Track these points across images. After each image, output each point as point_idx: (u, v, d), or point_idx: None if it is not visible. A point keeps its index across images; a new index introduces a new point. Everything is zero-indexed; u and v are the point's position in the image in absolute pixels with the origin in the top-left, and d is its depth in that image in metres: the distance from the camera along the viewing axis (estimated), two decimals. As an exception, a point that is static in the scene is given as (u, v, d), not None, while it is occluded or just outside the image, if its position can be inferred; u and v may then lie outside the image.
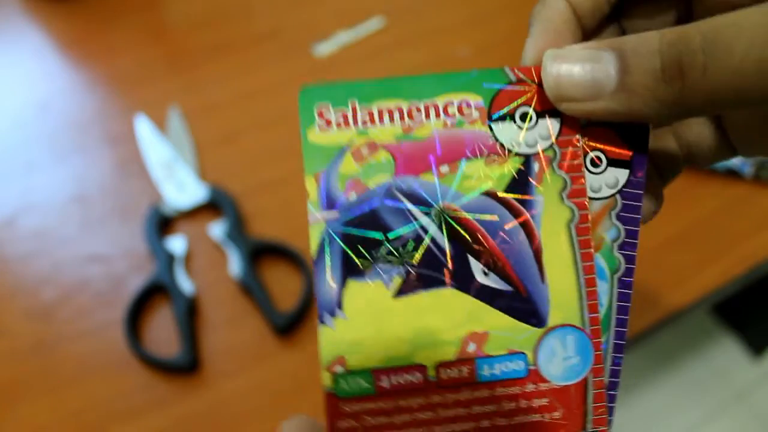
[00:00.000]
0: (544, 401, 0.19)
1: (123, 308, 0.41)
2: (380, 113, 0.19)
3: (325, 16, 0.57)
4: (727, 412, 1.00)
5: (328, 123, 0.19)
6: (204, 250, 0.45)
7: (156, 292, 0.42)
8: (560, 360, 0.19)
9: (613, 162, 0.20)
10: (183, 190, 0.46)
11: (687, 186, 0.48)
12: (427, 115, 0.19)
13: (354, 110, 0.19)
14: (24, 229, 0.46)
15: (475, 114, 0.19)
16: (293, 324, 0.41)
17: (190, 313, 0.41)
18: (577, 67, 0.18)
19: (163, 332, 0.41)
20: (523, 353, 0.19)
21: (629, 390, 0.96)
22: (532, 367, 0.19)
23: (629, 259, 0.20)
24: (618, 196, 0.20)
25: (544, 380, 0.19)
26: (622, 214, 0.20)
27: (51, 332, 0.41)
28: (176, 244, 0.44)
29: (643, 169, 0.20)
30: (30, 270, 0.44)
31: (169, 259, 0.43)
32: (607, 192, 0.20)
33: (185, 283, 0.42)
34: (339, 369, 0.19)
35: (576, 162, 0.20)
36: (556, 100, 0.19)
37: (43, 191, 0.47)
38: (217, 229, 0.44)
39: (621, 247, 0.20)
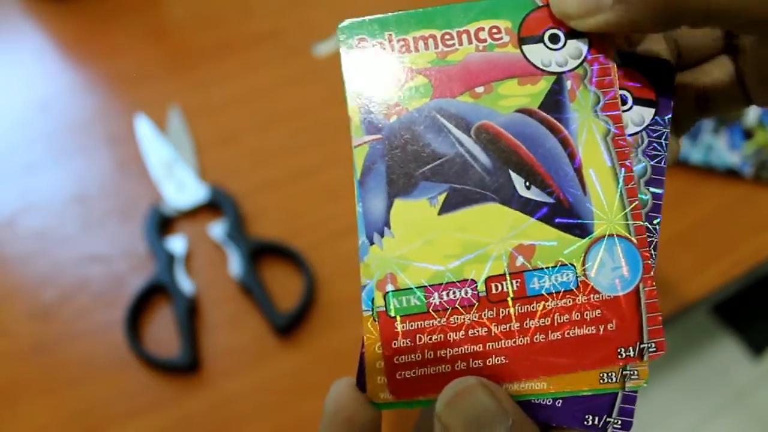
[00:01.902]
0: (596, 313, 0.19)
1: (123, 308, 0.41)
2: (415, 41, 0.20)
3: (325, 16, 0.57)
4: (727, 412, 1.00)
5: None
6: (204, 250, 0.45)
7: (156, 292, 0.42)
8: (609, 271, 0.19)
9: (639, 101, 0.21)
10: (183, 190, 0.46)
11: (687, 186, 0.48)
12: (460, 42, 0.20)
13: (390, 40, 0.20)
14: (24, 229, 0.46)
15: (506, 38, 0.20)
16: (293, 324, 0.41)
17: (190, 313, 0.41)
18: None
19: (163, 332, 0.41)
20: (571, 265, 0.19)
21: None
22: (581, 279, 0.19)
23: (656, 196, 0.20)
24: (644, 133, 0.20)
25: (595, 291, 0.19)
26: (648, 150, 0.20)
27: (51, 332, 0.41)
28: (176, 244, 0.44)
29: (669, 108, 0.21)
30: (30, 270, 0.44)
31: (169, 259, 0.43)
32: (633, 129, 0.20)
33: (185, 283, 0.42)
34: (389, 287, 0.19)
35: (606, 78, 0.20)
36: (562, 17, 0.20)
37: (43, 191, 0.47)
38: (217, 229, 0.44)
39: (648, 183, 0.20)
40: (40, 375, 0.40)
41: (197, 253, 0.45)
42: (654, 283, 0.19)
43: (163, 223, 0.45)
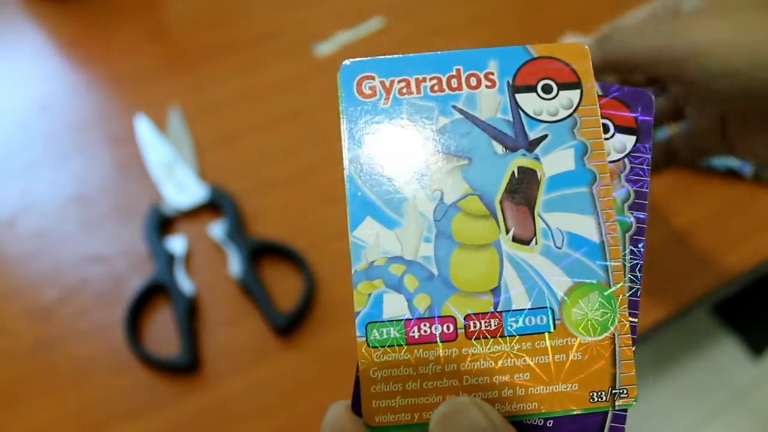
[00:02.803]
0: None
1: (123, 308, 0.41)
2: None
3: (325, 16, 0.57)
4: (727, 412, 1.00)
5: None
6: (204, 250, 0.45)
7: (156, 292, 0.42)
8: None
9: (621, 129, 0.21)
10: (183, 190, 0.46)
11: (687, 186, 0.48)
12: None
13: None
14: (24, 229, 0.46)
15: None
16: (293, 324, 0.41)
17: (190, 313, 0.41)
18: None
19: (163, 332, 0.41)
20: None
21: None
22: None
23: (640, 219, 0.21)
24: (626, 160, 0.21)
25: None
26: (631, 176, 0.21)
27: (51, 332, 0.41)
28: (176, 244, 0.44)
29: (650, 136, 0.21)
30: (30, 270, 0.44)
31: (169, 259, 0.43)
32: (615, 156, 0.21)
33: (185, 283, 0.42)
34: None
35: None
36: None
37: (43, 191, 0.47)
38: (217, 229, 0.44)
39: (632, 207, 0.21)
40: (40, 374, 0.40)
41: (197, 253, 0.45)
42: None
43: (163, 223, 0.45)
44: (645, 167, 0.21)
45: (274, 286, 0.43)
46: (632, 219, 0.21)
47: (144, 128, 0.49)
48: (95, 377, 0.40)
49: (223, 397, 0.40)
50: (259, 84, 0.53)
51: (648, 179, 0.21)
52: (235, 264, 0.43)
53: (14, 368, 0.40)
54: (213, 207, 0.46)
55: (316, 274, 0.43)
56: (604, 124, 0.21)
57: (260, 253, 0.44)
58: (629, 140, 0.21)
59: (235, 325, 0.42)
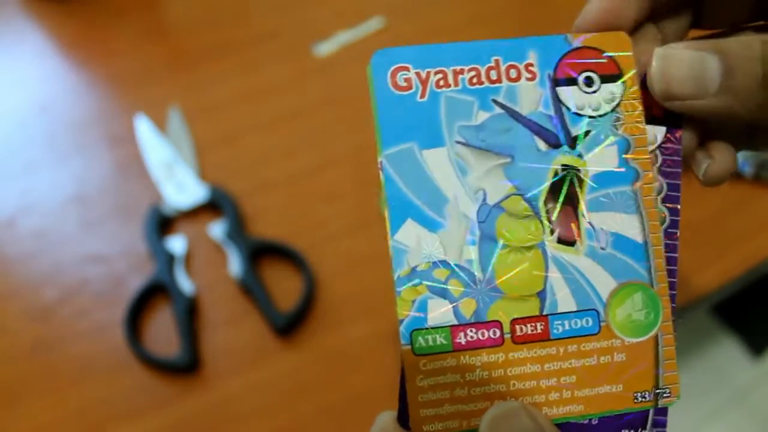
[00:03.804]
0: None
1: (123, 308, 0.41)
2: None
3: (325, 16, 0.57)
4: (727, 412, 1.00)
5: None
6: (204, 250, 0.45)
7: (156, 292, 0.42)
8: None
9: (650, 120, 0.20)
10: (183, 190, 0.46)
11: (687, 186, 0.48)
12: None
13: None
14: (24, 229, 0.46)
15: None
16: (293, 324, 0.41)
17: (190, 313, 0.41)
18: (685, 70, 0.19)
19: (163, 332, 0.41)
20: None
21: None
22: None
23: (673, 212, 0.21)
24: (658, 152, 0.21)
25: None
26: (663, 168, 0.21)
27: (51, 332, 0.41)
28: (176, 244, 0.44)
29: (680, 125, 0.21)
30: (30, 270, 0.44)
31: (169, 259, 0.43)
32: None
33: (185, 283, 0.42)
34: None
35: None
36: (663, 98, 0.20)
37: (43, 191, 0.47)
38: (217, 229, 0.44)
39: (664, 200, 0.21)
40: (40, 374, 0.40)
41: (197, 253, 0.45)
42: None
43: (163, 223, 0.45)
44: (676, 158, 0.21)
45: (274, 286, 0.43)
46: (666, 212, 0.20)
47: (144, 128, 0.49)
48: (95, 377, 0.40)
49: (223, 397, 0.40)
50: (259, 84, 0.53)
51: (680, 170, 0.21)
52: (235, 264, 0.43)
53: (14, 368, 0.40)
54: (213, 207, 0.46)
55: (316, 274, 0.43)
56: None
57: (260, 253, 0.44)
58: (660, 131, 0.20)
59: (235, 325, 0.42)
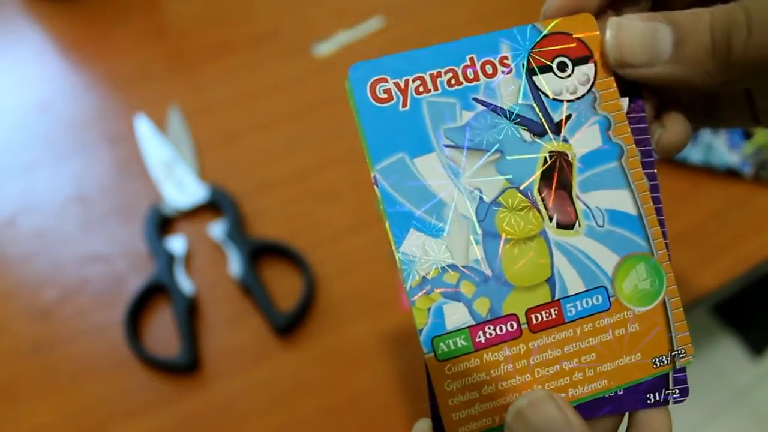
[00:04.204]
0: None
1: (123, 308, 0.41)
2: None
3: (325, 16, 0.57)
4: (727, 412, 1.00)
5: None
6: (204, 250, 0.45)
7: (156, 292, 0.42)
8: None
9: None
10: (183, 190, 0.46)
11: (687, 186, 0.48)
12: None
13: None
14: (24, 229, 0.46)
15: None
16: (293, 324, 0.41)
17: (190, 313, 0.41)
18: (637, 38, 0.20)
19: (163, 332, 0.41)
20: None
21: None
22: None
23: (651, 176, 0.21)
24: (626, 121, 0.21)
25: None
26: (634, 137, 0.21)
27: (51, 332, 0.41)
28: (176, 244, 0.44)
29: (638, 91, 0.21)
30: (30, 270, 0.44)
31: (169, 259, 0.43)
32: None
33: (185, 283, 0.42)
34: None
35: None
36: (617, 65, 0.20)
37: (43, 191, 0.47)
38: (217, 229, 0.44)
39: (642, 167, 0.21)
40: (40, 375, 0.40)
41: (197, 253, 0.45)
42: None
43: (163, 223, 0.45)
44: (643, 126, 0.21)
45: (274, 286, 0.43)
46: (645, 179, 0.21)
47: (144, 128, 0.49)
48: (95, 377, 0.40)
49: (223, 397, 0.40)
50: (259, 84, 0.53)
51: (648, 137, 0.21)
52: (235, 264, 0.43)
53: (14, 368, 0.40)
54: (213, 207, 0.46)
55: (316, 274, 0.43)
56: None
57: (260, 253, 0.44)
58: (624, 101, 0.21)
59: (235, 325, 0.42)
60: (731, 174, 0.48)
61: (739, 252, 0.45)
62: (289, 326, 0.41)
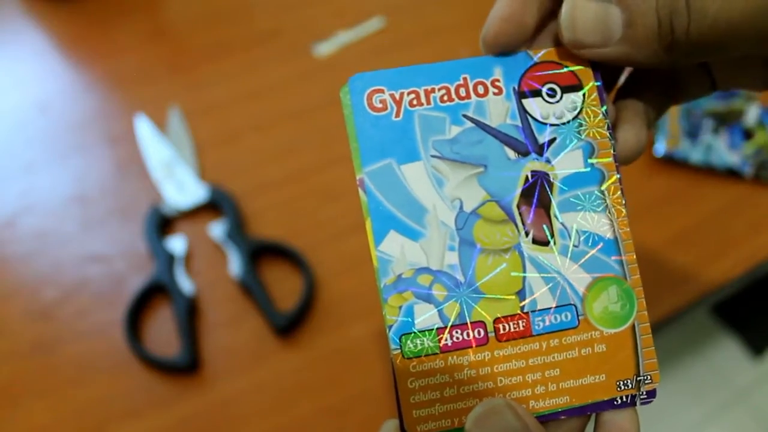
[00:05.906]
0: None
1: (123, 308, 0.41)
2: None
3: (325, 16, 0.57)
4: (727, 412, 1.00)
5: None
6: (204, 250, 0.45)
7: (156, 292, 0.42)
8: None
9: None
10: (183, 190, 0.46)
11: (687, 186, 0.48)
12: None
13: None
14: (24, 229, 0.46)
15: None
16: (293, 324, 0.41)
17: (190, 313, 0.41)
18: (590, 19, 0.20)
19: (163, 332, 0.41)
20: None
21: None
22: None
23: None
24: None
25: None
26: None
27: (51, 332, 0.41)
28: (176, 244, 0.44)
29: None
30: (30, 270, 0.44)
31: (169, 259, 0.43)
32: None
33: (185, 283, 0.42)
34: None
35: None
36: (572, 45, 0.21)
37: (43, 191, 0.47)
38: (217, 229, 0.44)
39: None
40: (40, 375, 0.40)
41: (197, 253, 0.45)
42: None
43: (163, 223, 0.45)
44: (607, 121, 0.22)
45: (274, 286, 0.43)
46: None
47: (144, 128, 0.49)
48: (95, 377, 0.40)
49: (223, 397, 0.40)
50: (259, 84, 0.53)
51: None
52: (235, 264, 0.43)
53: (14, 368, 0.40)
54: (213, 207, 0.46)
55: (316, 274, 0.43)
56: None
57: (260, 253, 0.44)
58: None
59: (235, 325, 0.42)
60: (731, 174, 0.48)
61: (739, 252, 0.45)
62: (289, 326, 0.41)
